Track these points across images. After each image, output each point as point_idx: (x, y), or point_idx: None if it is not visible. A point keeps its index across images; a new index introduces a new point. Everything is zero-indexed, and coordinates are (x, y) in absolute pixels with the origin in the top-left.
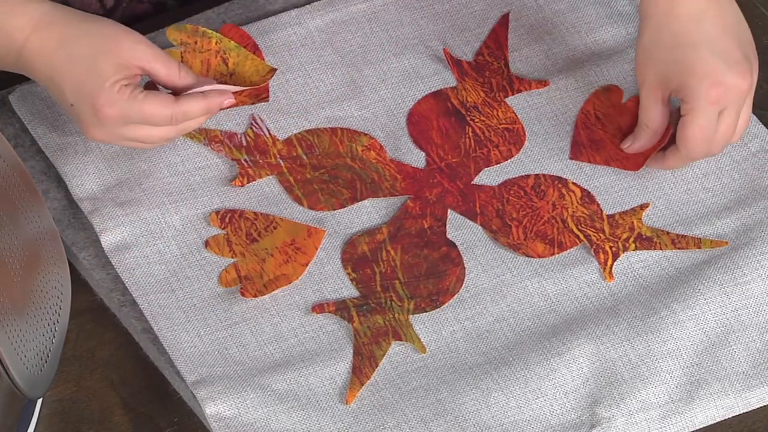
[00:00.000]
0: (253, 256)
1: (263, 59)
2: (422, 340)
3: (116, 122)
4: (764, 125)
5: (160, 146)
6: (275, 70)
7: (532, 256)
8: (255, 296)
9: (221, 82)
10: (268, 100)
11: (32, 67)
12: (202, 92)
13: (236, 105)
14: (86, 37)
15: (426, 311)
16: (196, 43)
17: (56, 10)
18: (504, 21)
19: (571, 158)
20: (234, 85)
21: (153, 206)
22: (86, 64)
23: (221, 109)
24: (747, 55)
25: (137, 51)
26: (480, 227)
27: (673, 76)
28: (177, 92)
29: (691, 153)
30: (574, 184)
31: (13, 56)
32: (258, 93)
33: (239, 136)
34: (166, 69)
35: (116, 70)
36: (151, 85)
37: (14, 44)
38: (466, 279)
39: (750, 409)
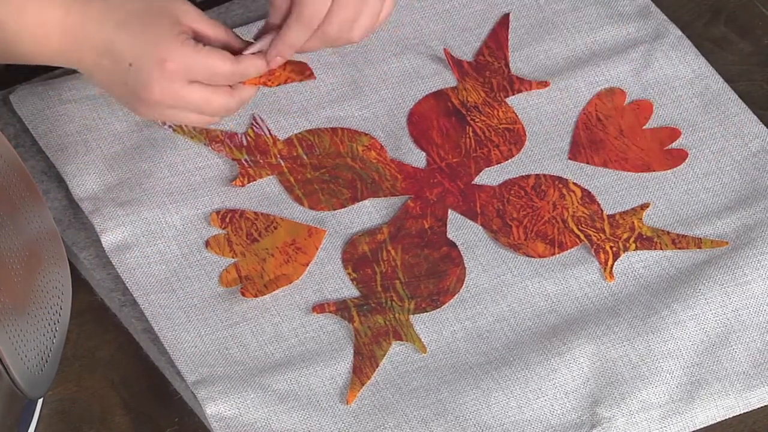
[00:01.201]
0: (253, 256)
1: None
2: (423, 340)
3: (180, 77)
4: (764, 125)
5: (220, 119)
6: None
7: (532, 256)
8: (255, 296)
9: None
10: (314, 77)
11: (79, 43)
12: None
13: (285, 81)
14: (132, 2)
15: (426, 311)
16: None
17: None
18: (504, 21)
19: (570, 159)
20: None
21: (153, 206)
22: (141, 24)
23: (278, 64)
24: None
25: (186, 11)
26: (480, 227)
27: None
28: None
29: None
30: (574, 184)
31: (55, 37)
32: (302, 69)
33: (240, 136)
34: (213, 28)
35: (173, 26)
36: None
37: (53, 22)
38: (466, 279)
39: (750, 409)
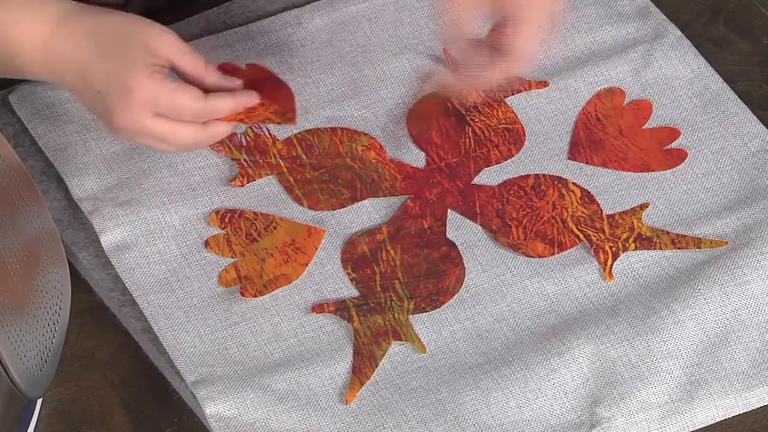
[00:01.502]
0: (253, 256)
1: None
2: (422, 340)
3: (145, 108)
4: (764, 125)
5: (185, 151)
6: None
7: (532, 256)
8: (255, 296)
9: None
10: (295, 122)
11: (59, 60)
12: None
13: (263, 120)
14: (114, 25)
15: (426, 311)
16: None
17: (79, 6)
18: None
19: (569, 158)
20: (263, 99)
21: (153, 206)
22: (117, 49)
23: (248, 106)
24: None
25: (165, 41)
26: (480, 227)
27: None
28: (203, 85)
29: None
30: (574, 184)
31: (39, 53)
32: (284, 112)
33: (239, 136)
34: (192, 62)
35: (146, 56)
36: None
37: (39, 38)
38: (466, 279)
39: (750, 409)
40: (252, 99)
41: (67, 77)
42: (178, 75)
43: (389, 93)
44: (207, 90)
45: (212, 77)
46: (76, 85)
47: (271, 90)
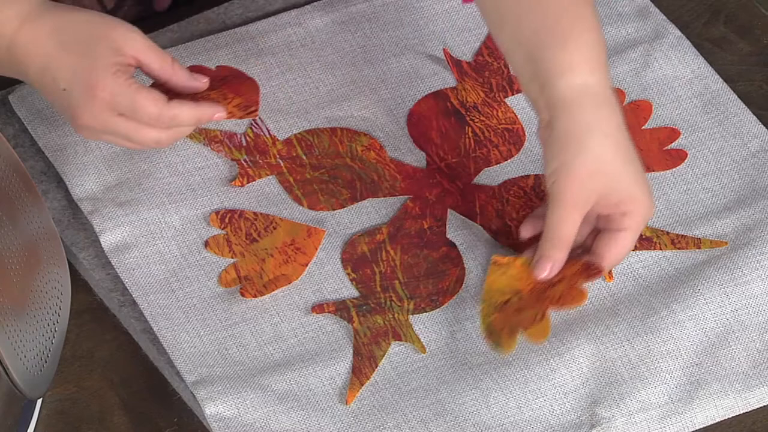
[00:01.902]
0: (252, 256)
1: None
2: (422, 340)
3: (107, 107)
4: (763, 125)
5: (149, 149)
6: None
7: None
8: (255, 296)
9: (212, 87)
10: (257, 115)
11: (24, 57)
12: (194, 100)
13: (225, 118)
14: (80, 24)
15: (426, 311)
16: None
17: (46, 3)
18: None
19: None
20: (226, 92)
21: (153, 206)
22: (81, 47)
23: (210, 121)
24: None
25: (131, 39)
26: (480, 227)
27: (609, 196)
28: (169, 90)
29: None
30: None
31: (2, 50)
32: (248, 105)
33: (239, 136)
34: (159, 61)
35: (111, 54)
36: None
37: (3, 37)
38: (465, 279)
39: (750, 409)
40: (216, 112)
41: (31, 74)
42: (145, 74)
43: (389, 93)
44: (175, 89)
45: (179, 76)
46: (40, 82)
47: (236, 85)
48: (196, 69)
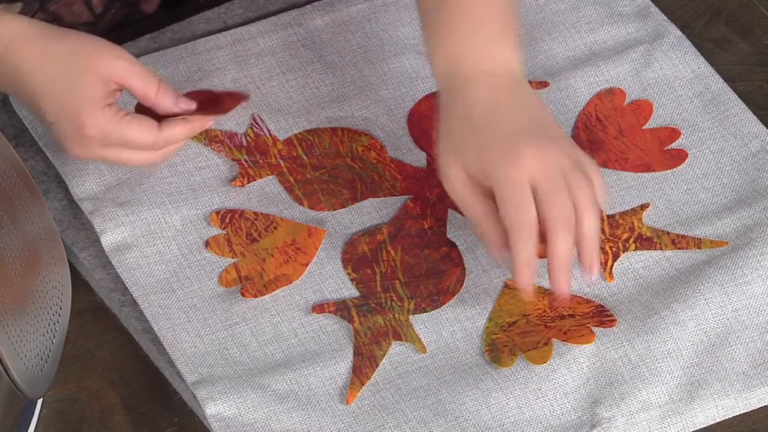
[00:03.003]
0: (253, 256)
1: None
2: (422, 340)
3: (97, 143)
4: (764, 125)
5: (141, 167)
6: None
7: None
8: (255, 296)
9: (200, 103)
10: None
11: (13, 81)
12: (183, 117)
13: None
14: (63, 57)
15: (426, 311)
16: None
17: (30, 27)
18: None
19: None
20: (212, 106)
21: (153, 206)
22: (66, 83)
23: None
24: (546, 129)
25: (115, 67)
26: None
27: (474, 164)
28: (156, 110)
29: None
30: None
31: None
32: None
33: (239, 136)
34: (144, 86)
35: (96, 88)
36: (141, 106)
37: None
38: (466, 279)
39: (750, 410)
40: (206, 122)
41: (22, 98)
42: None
43: (390, 93)
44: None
45: (165, 103)
46: (29, 109)
47: (224, 101)
48: (192, 95)
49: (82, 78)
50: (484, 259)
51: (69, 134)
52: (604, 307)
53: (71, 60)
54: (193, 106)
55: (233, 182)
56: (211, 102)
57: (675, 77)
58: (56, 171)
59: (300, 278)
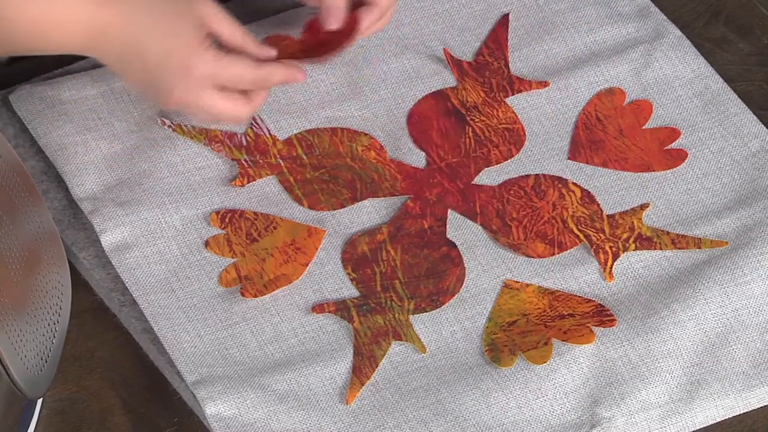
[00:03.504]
0: (253, 256)
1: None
2: (422, 340)
3: (205, 82)
4: (764, 125)
5: (230, 122)
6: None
7: (532, 257)
8: (255, 296)
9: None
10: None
11: (106, 37)
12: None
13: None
14: (161, 4)
15: (426, 311)
16: None
17: None
18: (504, 21)
19: (569, 159)
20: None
21: (153, 206)
22: (169, 25)
23: (293, 82)
24: None
25: (208, 11)
26: (480, 227)
27: None
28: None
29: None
30: (574, 184)
31: (79, 31)
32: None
33: (239, 136)
34: (231, 31)
35: (198, 30)
36: None
37: (83, 14)
38: (466, 279)
39: (750, 409)
40: (300, 74)
41: (113, 54)
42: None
43: (389, 93)
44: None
45: (249, 47)
46: (124, 62)
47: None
48: (272, 39)
49: (185, 22)
50: (483, 258)
51: (175, 80)
52: (604, 306)
53: (170, 7)
54: (273, 53)
55: (233, 182)
56: (303, 51)
57: (675, 77)
58: (56, 171)
59: (300, 278)
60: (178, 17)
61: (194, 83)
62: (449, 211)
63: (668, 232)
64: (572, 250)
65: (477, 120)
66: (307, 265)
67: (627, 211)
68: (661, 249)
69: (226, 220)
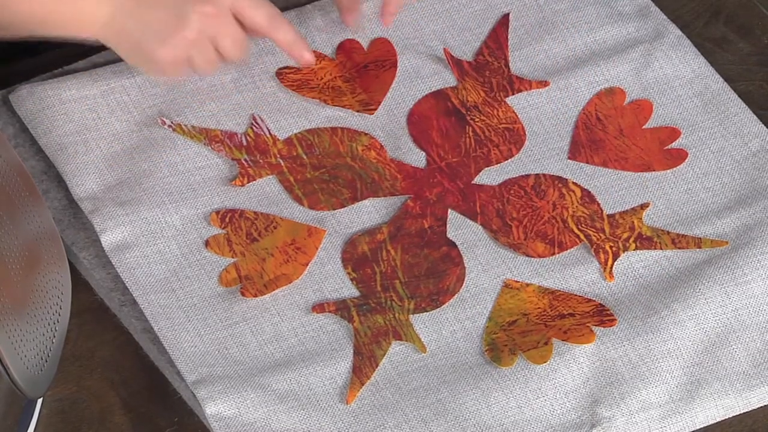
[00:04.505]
0: (253, 255)
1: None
2: (422, 339)
3: (222, 17)
4: (764, 125)
5: (204, 71)
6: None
7: (532, 256)
8: (255, 296)
9: (347, 75)
10: (373, 113)
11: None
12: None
13: (345, 106)
14: None
15: (426, 311)
16: None
17: None
18: (504, 21)
19: (569, 158)
20: (356, 86)
21: (153, 206)
22: None
23: (299, 61)
24: None
25: None
26: (480, 227)
27: None
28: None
29: None
30: (574, 183)
31: (96, 26)
32: (368, 103)
33: (239, 135)
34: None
35: None
36: None
37: (99, 17)
38: (466, 279)
39: (750, 409)
40: (308, 54)
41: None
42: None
43: (390, 93)
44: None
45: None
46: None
47: (370, 78)
48: (346, 46)
49: None
50: (484, 258)
51: (189, 12)
52: (604, 306)
53: None
54: (310, 57)
55: (233, 182)
56: (361, 82)
57: (675, 77)
58: (56, 171)
59: (300, 278)
60: None
61: (208, 18)
62: (449, 210)
63: (668, 232)
64: (572, 249)
65: (477, 120)
66: (307, 264)
67: (627, 210)
68: (661, 249)
69: (226, 219)
